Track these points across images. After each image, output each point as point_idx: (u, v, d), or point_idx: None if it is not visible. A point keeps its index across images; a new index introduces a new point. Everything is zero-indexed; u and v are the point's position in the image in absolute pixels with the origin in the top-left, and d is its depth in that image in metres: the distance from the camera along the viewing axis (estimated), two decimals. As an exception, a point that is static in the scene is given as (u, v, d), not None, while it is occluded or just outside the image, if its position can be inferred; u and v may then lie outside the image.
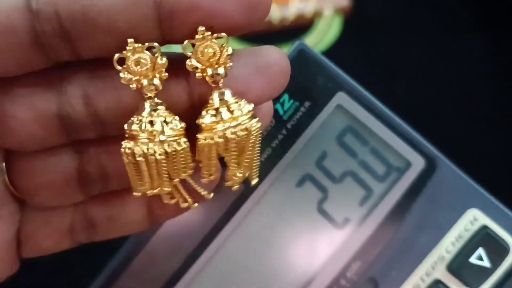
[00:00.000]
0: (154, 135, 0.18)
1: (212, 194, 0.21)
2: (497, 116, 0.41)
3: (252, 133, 0.18)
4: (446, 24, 0.45)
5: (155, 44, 0.17)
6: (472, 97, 0.42)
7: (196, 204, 0.21)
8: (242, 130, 0.18)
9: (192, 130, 0.19)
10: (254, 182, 0.21)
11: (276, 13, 0.46)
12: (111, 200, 0.22)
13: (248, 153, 0.19)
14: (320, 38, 0.45)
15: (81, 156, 0.20)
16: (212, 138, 0.18)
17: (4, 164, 0.20)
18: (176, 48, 0.20)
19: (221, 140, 0.18)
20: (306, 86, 0.27)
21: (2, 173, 0.20)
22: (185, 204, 0.21)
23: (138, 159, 0.18)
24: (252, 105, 0.18)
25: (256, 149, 0.19)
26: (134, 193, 0.19)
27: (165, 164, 0.18)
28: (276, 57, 0.19)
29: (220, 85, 0.18)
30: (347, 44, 0.45)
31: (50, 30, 0.17)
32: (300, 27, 0.46)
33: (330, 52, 0.44)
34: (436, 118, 0.41)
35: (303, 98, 0.27)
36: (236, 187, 0.20)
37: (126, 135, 0.18)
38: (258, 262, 0.27)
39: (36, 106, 0.18)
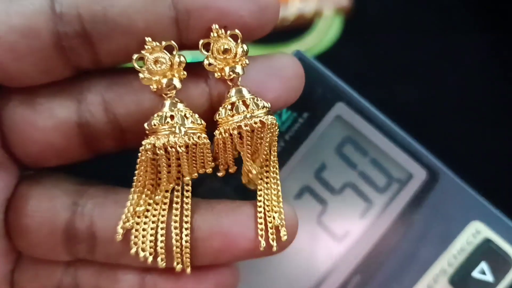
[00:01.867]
0: (175, 127, 0.18)
1: None
2: (498, 119, 0.40)
3: (268, 127, 0.18)
4: (446, 25, 0.44)
5: (173, 42, 0.18)
6: (473, 98, 0.42)
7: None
8: (256, 122, 0.18)
9: (212, 133, 0.19)
10: (279, 222, 0.20)
11: (275, 13, 0.45)
12: (102, 271, 0.21)
13: (265, 150, 0.19)
14: (320, 38, 0.44)
15: (75, 208, 0.20)
16: (227, 131, 0.18)
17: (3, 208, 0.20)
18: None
19: (235, 132, 0.18)
20: (304, 97, 0.27)
21: (2, 210, 0.20)
22: (179, 267, 0.19)
23: (158, 152, 0.18)
24: (269, 103, 0.18)
25: (274, 148, 0.19)
26: (137, 209, 0.19)
27: (185, 158, 0.18)
28: (290, 61, 0.19)
29: (238, 83, 0.18)
30: (347, 44, 0.44)
31: (73, 32, 0.17)
32: (300, 27, 0.45)
33: (330, 52, 0.44)
34: (437, 118, 0.41)
35: (301, 108, 0.27)
36: (251, 185, 0.20)
37: (147, 132, 0.18)
38: (255, 274, 0.27)
39: (56, 114, 0.18)
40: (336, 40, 0.44)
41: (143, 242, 0.19)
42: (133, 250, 0.19)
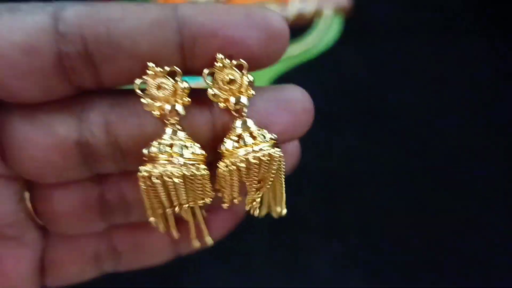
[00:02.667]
0: (173, 157, 0.17)
1: (211, 240, 0.21)
2: (498, 119, 0.41)
3: (275, 159, 0.18)
4: (446, 25, 0.45)
5: (176, 68, 0.17)
6: (473, 98, 0.42)
7: (211, 240, 0.21)
8: (264, 155, 0.18)
9: (213, 163, 0.18)
10: (284, 212, 0.21)
11: (275, 13, 0.45)
12: (136, 229, 0.22)
13: (270, 180, 0.18)
14: (320, 38, 0.44)
15: (101, 184, 0.20)
16: (234, 163, 0.18)
17: (28, 193, 0.20)
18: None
19: (243, 165, 0.18)
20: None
21: (25, 201, 0.20)
22: (198, 243, 0.21)
23: (154, 181, 0.17)
24: (275, 135, 0.18)
25: (282, 178, 0.19)
26: (150, 219, 0.19)
27: (183, 188, 0.18)
28: (299, 94, 0.19)
29: (243, 114, 0.18)
30: (347, 44, 0.44)
31: (75, 52, 0.16)
32: (300, 27, 0.45)
33: (330, 52, 0.44)
34: (436, 118, 0.41)
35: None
36: (256, 212, 0.20)
37: (145, 158, 0.18)
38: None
39: (57, 132, 0.18)
40: (336, 40, 0.44)
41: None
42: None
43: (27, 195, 0.20)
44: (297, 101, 0.19)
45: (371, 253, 0.35)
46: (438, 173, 0.38)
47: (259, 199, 0.19)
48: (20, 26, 0.16)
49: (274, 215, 0.21)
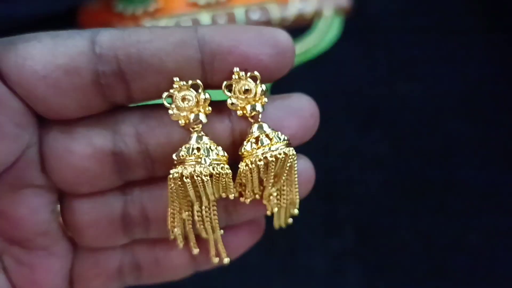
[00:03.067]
0: (201, 158, 0.19)
1: (228, 260, 0.23)
2: (498, 118, 0.41)
3: (289, 157, 0.20)
4: (446, 25, 0.45)
5: (199, 81, 0.19)
6: (472, 97, 0.42)
7: (228, 260, 0.23)
8: (280, 154, 0.20)
9: (233, 165, 0.21)
10: (296, 212, 0.23)
11: (276, 13, 0.45)
12: (157, 245, 0.23)
13: (285, 177, 0.21)
14: (320, 38, 0.45)
15: (125, 198, 0.22)
16: (253, 162, 0.20)
17: (59, 206, 0.22)
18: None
19: (262, 163, 0.20)
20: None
21: (57, 212, 0.22)
22: (216, 259, 0.23)
23: (185, 180, 0.20)
24: (287, 136, 0.20)
25: (294, 176, 0.21)
26: (171, 232, 0.22)
27: (210, 186, 0.20)
28: (306, 102, 0.21)
29: (259, 120, 0.20)
30: (347, 44, 0.45)
31: (110, 71, 0.19)
32: (300, 27, 0.45)
33: (330, 52, 0.44)
34: (436, 118, 0.41)
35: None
36: (268, 211, 0.22)
37: (175, 162, 0.20)
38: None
39: (94, 143, 0.20)
40: (336, 40, 0.45)
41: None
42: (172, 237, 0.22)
43: (58, 206, 0.22)
44: (305, 107, 0.21)
45: (369, 251, 0.35)
46: (437, 171, 0.39)
47: (275, 193, 0.21)
48: (62, 50, 0.19)
49: (287, 219, 0.24)
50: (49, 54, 0.19)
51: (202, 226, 0.22)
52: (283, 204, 0.22)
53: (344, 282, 0.34)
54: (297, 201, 0.22)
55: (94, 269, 0.23)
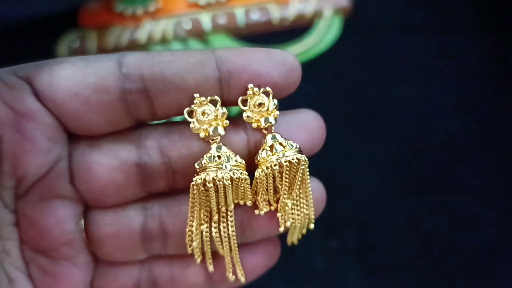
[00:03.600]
0: (222, 164, 0.21)
1: (244, 279, 0.24)
2: (497, 118, 0.41)
3: (302, 162, 0.21)
4: (446, 25, 0.45)
5: (217, 97, 0.21)
6: (472, 97, 0.42)
7: (244, 279, 0.24)
8: (293, 159, 0.21)
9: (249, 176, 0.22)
10: (312, 226, 0.24)
11: (276, 13, 0.45)
12: (174, 261, 0.24)
13: (298, 185, 0.22)
14: (320, 38, 0.45)
15: (145, 212, 0.23)
16: (269, 168, 0.21)
17: (83, 221, 0.23)
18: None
19: (277, 167, 0.21)
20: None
21: (81, 227, 0.23)
22: (233, 277, 0.24)
23: (208, 185, 0.21)
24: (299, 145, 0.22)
25: (308, 187, 0.23)
26: (189, 246, 0.23)
27: (230, 190, 0.21)
28: (313, 116, 0.23)
29: (272, 131, 0.22)
30: (347, 44, 0.45)
31: (135, 89, 0.21)
32: (300, 27, 0.45)
33: (330, 52, 0.44)
34: (436, 118, 0.41)
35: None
36: (281, 226, 0.23)
37: (197, 170, 0.21)
38: None
39: (120, 155, 0.22)
40: (336, 40, 0.45)
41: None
42: (189, 250, 0.23)
43: (82, 220, 0.23)
44: (312, 121, 0.23)
45: (369, 251, 0.35)
46: (436, 171, 0.39)
47: (290, 204, 0.22)
48: (92, 70, 0.20)
49: (298, 231, 0.24)
50: (80, 74, 0.20)
51: (219, 241, 0.23)
52: (298, 218, 0.23)
53: (344, 282, 0.34)
54: (313, 216, 0.23)
55: (113, 283, 0.24)
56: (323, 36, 0.45)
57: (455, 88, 0.42)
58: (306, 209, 0.23)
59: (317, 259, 0.35)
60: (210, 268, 0.24)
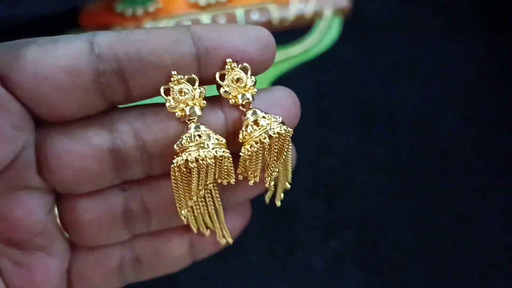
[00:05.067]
0: (203, 143, 0.20)
1: (232, 240, 0.25)
2: (497, 118, 0.41)
3: (288, 134, 0.21)
4: (445, 25, 0.45)
5: (194, 76, 0.21)
6: (472, 97, 0.42)
7: (232, 240, 0.24)
8: (281, 130, 0.21)
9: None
10: (288, 186, 0.25)
11: (276, 14, 0.46)
12: (156, 236, 0.24)
13: (284, 153, 0.22)
14: (320, 39, 0.45)
15: (125, 194, 0.23)
16: (258, 141, 0.21)
17: (56, 210, 0.22)
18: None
19: (267, 140, 0.21)
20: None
21: (54, 213, 0.22)
22: (223, 240, 0.24)
23: (190, 165, 0.20)
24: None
25: (290, 152, 0.23)
26: (182, 213, 0.22)
27: (213, 169, 0.21)
28: (287, 92, 0.22)
29: (250, 107, 0.21)
30: (347, 44, 0.45)
31: (110, 70, 0.19)
32: (300, 27, 0.46)
33: (329, 53, 0.44)
34: (436, 119, 0.41)
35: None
36: (271, 184, 0.23)
37: (177, 151, 0.21)
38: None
39: (91, 142, 0.21)
40: (336, 40, 0.45)
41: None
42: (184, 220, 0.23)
43: (55, 207, 0.22)
44: (287, 97, 0.22)
45: (368, 251, 0.35)
46: (436, 171, 0.39)
47: (275, 173, 0.23)
48: (62, 52, 0.19)
49: (280, 192, 0.25)
50: (49, 56, 0.19)
51: (206, 211, 0.23)
52: (282, 181, 0.24)
53: (343, 282, 0.34)
54: (290, 177, 0.24)
55: (95, 267, 0.24)
56: (323, 36, 0.45)
57: (455, 88, 0.42)
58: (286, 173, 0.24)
59: (317, 259, 0.35)
60: (207, 233, 0.24)
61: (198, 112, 0.21)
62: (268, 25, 0.45)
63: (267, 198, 0.25)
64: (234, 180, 0.22)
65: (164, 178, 0.22)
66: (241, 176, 0.22)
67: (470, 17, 0.45)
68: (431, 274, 0.35)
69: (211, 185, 0.22)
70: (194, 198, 0.22)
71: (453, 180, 0.38)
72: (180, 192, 0.22)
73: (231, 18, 0.45)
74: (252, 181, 0.22)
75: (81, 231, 0.22)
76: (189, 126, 0.21)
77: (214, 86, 0.22)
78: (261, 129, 0.21)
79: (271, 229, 0.35)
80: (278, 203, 0.25)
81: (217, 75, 0.21)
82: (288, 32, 0.45)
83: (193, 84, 0.21)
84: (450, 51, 0.44)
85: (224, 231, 0.24)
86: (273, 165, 0.22)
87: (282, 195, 0.25)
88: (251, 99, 0.21)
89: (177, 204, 0.22)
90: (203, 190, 0.22)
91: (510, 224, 0.36)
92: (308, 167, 0.37)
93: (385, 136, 0.40)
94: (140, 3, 0.45)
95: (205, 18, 0.45)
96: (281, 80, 0.42)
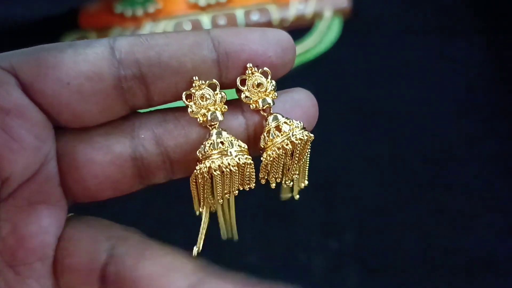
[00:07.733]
0: (226, 151, 0.20)
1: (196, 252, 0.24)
2: (496, 118, 0.41)
3: (309, 140, 0.21)
4: (445, 26, 0.45)
5: (215, 81, 0.21)
6: (472, 98, 0.42)
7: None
8: (303, 136, 0.21)
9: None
10: (305, 183, 0.24)
11: (276, 14, 0.46)
12: None
13: (305, 158, 0.22)
14: (320, 39, 0.45)
15: (112, 252, 0.21)
16: (281, 148, 0.21)
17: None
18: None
19: (289, 146, 0.21)
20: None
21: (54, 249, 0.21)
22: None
23: (214, 173, 0.20)
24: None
25: (308, 156, 0.23)
26: (196, 209, 0.22)
27: (237, 176, 0.21)
28: (307, 94, 0.22)
29: (271, 112, 0.21)
30: (347, 45, 0.45)
31: (131, 75, 0.20)
32: (300, 28, 0.46)
33: (330, 53, 0.44)
34: (435, 119, 0.41)
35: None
36: (288, 195, 0.24)
37: (200, 158, 0.21)
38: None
39: (113, 150, 0.21)
40: (336, 41, 0.45)
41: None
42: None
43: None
44: (306, 99, 0.22)
45: (368, 252, 0.35)
46: (435, 171, 0.39)
47: (296, 175, 0.23)
48: (83, 57, 0.19)
49: (297, 188, 0.24)
50: (70, 62, 0.19)
51: (223, 220, 0.23)
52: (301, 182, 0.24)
53: (343, 282, 0.34)
54: (307, 179, 0.24)
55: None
56: (323, 37, 0.45)
57: (455, 88, 0.42)
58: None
59: (316, 260, 0.35)
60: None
61: (220, 118, 0.21)
62: (268, 25, 0.45)
63: (282, 195, 0.25)
64: (254, 185, 0.22)
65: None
66: (263, 180, 0.22)
67: (470, 17, 0.45)
68: (431, 274, 0.35)
69: (236, 191, 0.22)
70: (220, 201, 0.22)
71: (453, 180, 0.38)
72: (200, 196, 0.22)
73: (231, 18, 0.45)
74: (274, 184, 0.22)
75: (61, 273, 0.21)
76: (210, 132, 0.21)
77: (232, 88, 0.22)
78: (284, 135, 0.21)
79: (271, 230, 0.35)
80: (297, 197, 0.25)
81: (238, 80, 0.21)
82: (288, 33, 0.45)
83: (214, 89, 0.21)
84: (449, 51, 0.44)
85: (232, 229, 0.24)
86: (294, 168, 0.22)
87: (298, 190, 0.25)
88: (272, 104, 0.21)
89: (194, 204, 0.22)
90: (228, 195, 0.22)
91: (510, 224, 0.36)
92: (308, 167, 0.37)
93: (384, 136, 0.40)
94: (140, 4, 0.45)
95: (205, 18, 0.45)
96: (281, 80, 0.42)
